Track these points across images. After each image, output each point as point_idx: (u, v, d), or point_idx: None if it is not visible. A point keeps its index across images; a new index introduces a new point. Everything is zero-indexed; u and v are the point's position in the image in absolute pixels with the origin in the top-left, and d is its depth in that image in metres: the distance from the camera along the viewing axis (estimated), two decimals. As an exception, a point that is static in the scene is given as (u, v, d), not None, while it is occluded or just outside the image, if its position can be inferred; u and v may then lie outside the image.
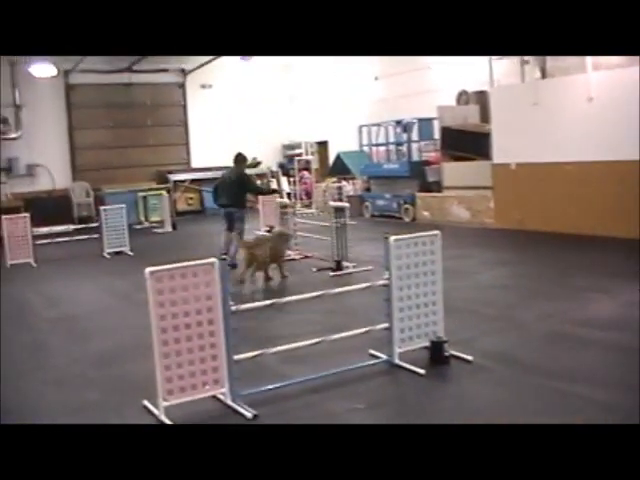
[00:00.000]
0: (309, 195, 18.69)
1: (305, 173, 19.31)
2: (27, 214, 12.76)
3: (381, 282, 5.36)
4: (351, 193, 16.83)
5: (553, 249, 10.54)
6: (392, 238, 5.26)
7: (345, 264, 9.54)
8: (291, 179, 19.69)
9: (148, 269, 4.22)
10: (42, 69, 18.87)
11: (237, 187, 10.31)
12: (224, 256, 9.75)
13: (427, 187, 15.40)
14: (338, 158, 18.76)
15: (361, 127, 17.55)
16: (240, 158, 10.72)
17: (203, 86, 22.34)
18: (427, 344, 5.41)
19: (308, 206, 17.14)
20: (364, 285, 5.62)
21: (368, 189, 17.10)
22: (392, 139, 16.76)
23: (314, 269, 9.72)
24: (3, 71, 18.74)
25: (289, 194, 18.74)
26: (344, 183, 15.13)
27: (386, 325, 5.34)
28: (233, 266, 9.53)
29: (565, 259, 9.62)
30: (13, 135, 19.24)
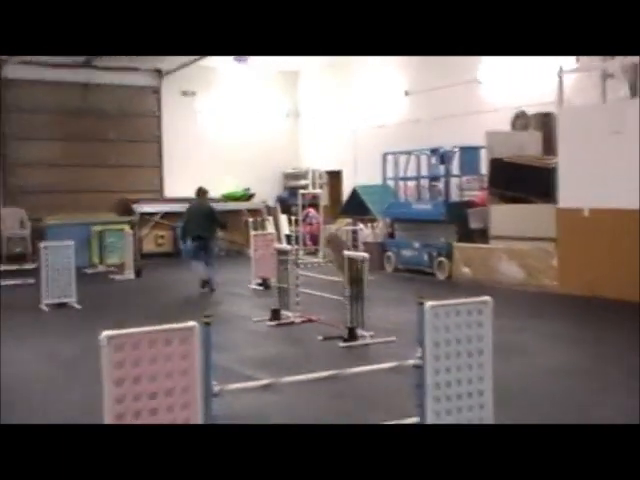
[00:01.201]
0: (315, 240, 18.72)
1: (311, 211, 19.38)
2: None
3: (412, 361, 5.27)
4: (369, 239, 16.85)
5: (637, 324, 10.42)
6: (428, 304, 5.19)
7: (360, 332, 9.47)
8: (293, 218, 19.75)
9: (105, 333, 4.15)
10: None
11: (209, 220, 14.33)
12: (206, 286, 14.11)
13: (468, 236, 15.40)
14: (354, 193, 18.84)
15: (386, 155, 17.68)
16: (202, 191, 14.70)
17: (184, 93, 22.67)
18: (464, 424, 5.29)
19: (314, 254, 17.16)
20: (388, 365, 5.53)
21: (392, 235, 17.11)
22: (425, 172, 16.85)
23: (320, 337, 9.68)
24: None
25: (289, 237, 18.76)
26: (361, 226, 15.18)
27: (416, 420, 5.24)
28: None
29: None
30: None
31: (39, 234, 18.27)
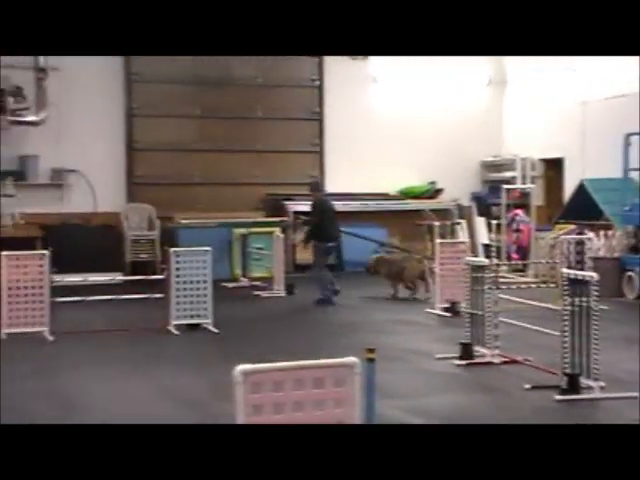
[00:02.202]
0: (524, 252, 18.43)
1: (519, 213, 19.11)
2: (45, 251, 13.39)
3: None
4: (602, 253, 16.42)
5: None
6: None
7: (585, 382, 9.19)
8: (494, 222, 19.55)
9: (240, 367, 4.20)
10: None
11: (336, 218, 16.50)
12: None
13: None
14: (581, 190, 18.47)
15: (629, 136, 17.11)
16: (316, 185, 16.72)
17: (354, 57, 22.70)
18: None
19: (521, 271, 16.89)
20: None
21: (636, 248, 16.55)
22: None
23: (527, 385, 9.45)
24: None
25: (488, 248, 18.56)
26: (589, 235, 14.80)
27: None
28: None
29: None
30: (32, 118, 19.78)
31: (169, 237, 18.85)
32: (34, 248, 15.21)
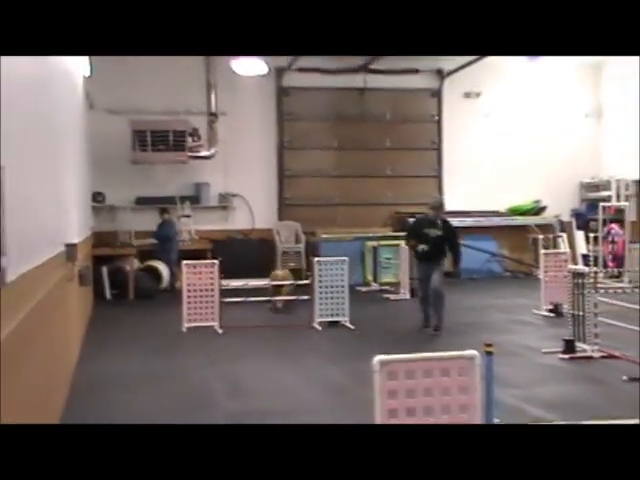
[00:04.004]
0: (619, 261, 17.95)
1: (614, 227, 18.62)
2: (215, 261, 13.72)
3: None
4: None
5: None
6: None
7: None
8: (591, 235, 19.11)
9: (378, 358, 4.22)
10: (248, 65, 19.95)
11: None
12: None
13: None
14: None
15: None
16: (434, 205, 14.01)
17: (467, 94, 22.60)
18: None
19: (617, 277, 16.45)
20: None
21: None
22: None
23: (624, 377, 9.19)
24: (195, 67, 19.95)
25: (587, 258, 18.15)
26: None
27: None
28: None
29: None
30: (204, 153, 20.44)
31: (312, 248, 19.02)
32: (205, 258, 15.55)
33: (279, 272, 16.38)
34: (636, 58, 21.21)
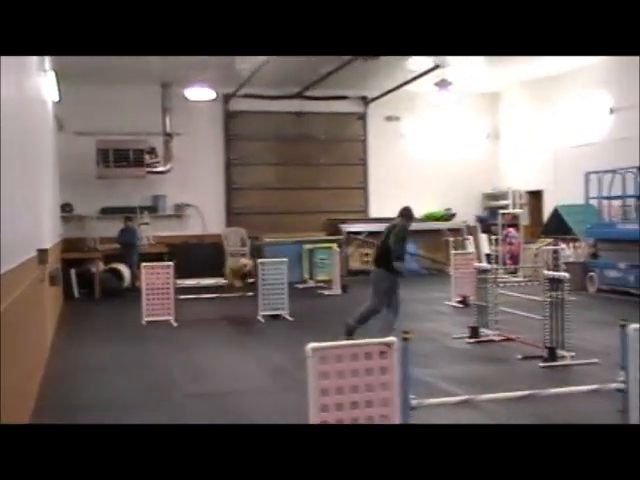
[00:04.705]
0: (515, 259, 18.26)
1: (511, 231, 18.94)
2: (170, 263, 13.64)
3: (614, 385, 5.00)
4: (571, 259, 16.21)
5: None
6: (632, 326, 4.91)
7: (561, 353, 9.11)
8: (493, 238, 19.39)
9: (310, 345, 4.26)
10: (199, 92, 19.92)
11: (382, 243, 10.75)
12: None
13: (680, 257, 14.43)
14: (556, 213, 18.22)
15: (589, 174, 16.95)
16: (405, 213, 10.95)
17: (389, 118, 22.81)
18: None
19: (513, 273, 16.74)
20: (589, 388, 5.28)
21: (595, 255, 16.37)
22: (632, 191, 16.01)
23: (519, 356, 9.41)
24: (153, 93, 20.14)
25: (489, 256, 18.43)
26: (562, 246, 14.59)
27: (619, 445, 4.95)
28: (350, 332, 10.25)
29: None
30: (161, 168, 20.48)
31: (257, 251, 18.98)
32: (163, 260, 15.42)
33: (243, 260, 15.81)
34: (526, 88, 21.74)
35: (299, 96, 21.30)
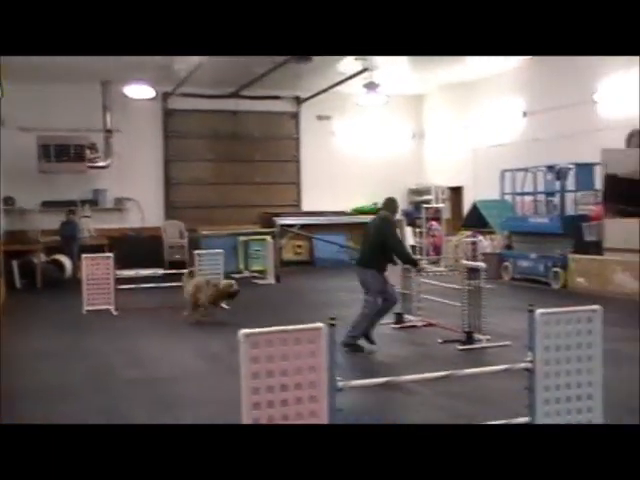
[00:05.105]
0: (438, 250, 18.50)
1: (434, 224, 19.16)
2: (110, 254, 13.49)
3: (522, 365, 5.15)
4: (488, 250, 16.55)
5: None
6: (538, 311, 5.06)
7: (477, 336, 9.31)
8: (417, 230, 19.62)
9: (242, 331, 4.27)
10: (138, 90, 19.63)
11: (374, 241, 9.51)
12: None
13: (583, 248, 14.87)
14: (474, 208, 18.55)
15: (504, 172, 17.33)
16: (388, 203, 9.96)
17: (320, 117, 22.86)
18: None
19: (436, 263, 16.97)
20: (500, 367, 5.43)
21: (509, 246, 16.75)
22: (542, 188, 16.43)
23: (439, 340, 9.57)
24: (93, 91, 19.76)
25: (414, 248, 18.64)
26: (480, 238, 14.89)
27: (526, 420, 5.10)
28: (351, 346, 9.08)
29: None
30: (102, 164, 20.15)
31: (195, 243, 18.84)
32: (103, 252, 15.18)
33: (226, 281, 12.48)
34: (448, 92, 22.07)
35: (235, 95, 21.21)
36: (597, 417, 5.19)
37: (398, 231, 9.94)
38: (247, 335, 4.28)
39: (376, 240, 9.44)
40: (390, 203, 9.99)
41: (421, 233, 18.95)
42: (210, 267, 13.37)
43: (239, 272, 18.82)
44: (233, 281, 12.10)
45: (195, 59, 15.43)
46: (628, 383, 7.24)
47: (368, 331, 9.37)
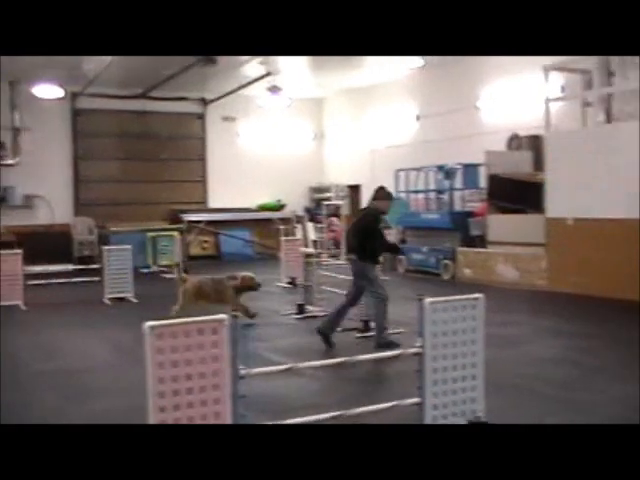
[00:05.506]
0: (337, 244, 18.69)
1: (334, 220, 19.37)
2: (19, 250, 12.94)
3: (413, 350, 5.26)
4: (385, 244, 16.80)
5: (618, 319, 10.31)
6: (427, 300, 5.17)
7: (374, 325, 9.41)
8: (318, 226, 19.78)
9: (147, 324, 4.19)
10: (47, 90, 19.02)
11: (360, 231, 8.80)
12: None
13: (470, 241, 15.32)
14: (371, 204, 18.78)
15: (398, 171, 17.64)
16: (379, 193, 9.06)
17: (225, 118, 22.73)
18: (464, 424, 5.26)
19: (336, 257, 17.14)
20: (393, 353, 5.52)
21: (403, 240, 17.06)
22: (433, 186, 16.81)
23: (339, 329, 9.61)
24: (2, 90, 19.10)
25: (315, 242, 18.78)
26: (378, 233, 15.11)
27: (417, 400, 5.22)
28: (387, 345, 8.08)
29: (632, 332, 9.38)
30: (10, 161, 19.51)
31: (104, 239, 18.40)
32: (12, 248, 14.57)
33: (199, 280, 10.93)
34: (347, 96, 22.30)
35: (143, 96, 20.85)
36: (480, 396, 5.37)
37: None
38: (152, 327, 4.21)
39: (361, 232, 8.74)
40: (376, 193, 9.16)
41: (322, 229, 19.12)
42: (119, 262, 13.06)
43: (148, 267, 18.49)
44: (251, 274, 10.65)
45: (104, 60, 15.04)
46: (507, 364, 7.52)
47: (383, 321, 8.52)
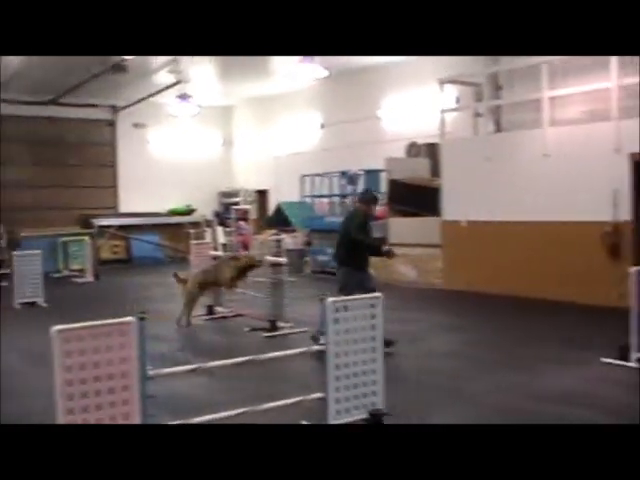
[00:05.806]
0: (246, 247, 18.61)
1: (242, 223, 19.26)
2: None
3: (316, 347, 5.31)
4: (291, 247, 16.84)
5: (506, 314, 10.72)
6: (329, 300, 5.24)
7: (280, 324, 9.46)
8: (227, 229, 19.63)
9: (54, 328, 4.07)
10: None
11: (343, 235, 8.33)
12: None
13: (373, 243, 15.53)
14: (278, 208, 18.86)
15: (304, 177, 17.76)
16: (365, 197, 8.51)
17: (136, 125, 22.29)
18: (365, 416, 5.35)
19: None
20: (298, 350, 5.56)
21: (309, 243, 17.16)
22: (337, 191, 17.00)
23: (246, 328, 9.61)
24: None
25: (225, 245, 18.63)
26: (284, 236, 15.14)
27: (321, 395, 5.27)
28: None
29: (518, 325, 9.79)
30: None
31: (15, 245, 17.67)
32: None
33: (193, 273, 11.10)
34: (254, 104, 22.26)
35: (53, 103, 20.19)
36: (380, 388, 5.48)
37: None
38: (59, 331, 4.09)
39: (344, 237, 8.23)
40: (362, 195, 8.71)
41: (231, 232, 18.98)
42: (29, 267, 12.57)
43: (59, 271, 17.88)
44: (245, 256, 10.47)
45: (13, 66, 14.47)
46: (405, 359, 7.70)
47: None
